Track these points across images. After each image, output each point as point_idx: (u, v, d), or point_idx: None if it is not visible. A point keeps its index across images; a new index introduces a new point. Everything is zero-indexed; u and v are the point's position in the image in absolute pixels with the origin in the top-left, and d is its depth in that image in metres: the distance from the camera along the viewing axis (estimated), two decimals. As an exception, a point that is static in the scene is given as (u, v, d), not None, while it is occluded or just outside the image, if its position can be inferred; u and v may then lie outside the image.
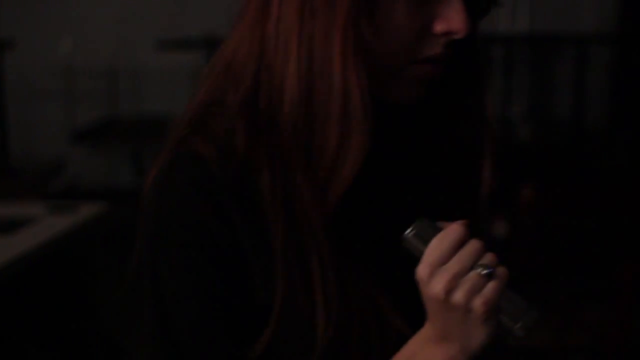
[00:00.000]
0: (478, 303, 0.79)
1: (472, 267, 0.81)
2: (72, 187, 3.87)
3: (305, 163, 0.86)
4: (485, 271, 0.80)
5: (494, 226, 3.30)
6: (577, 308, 3.15)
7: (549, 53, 6.49)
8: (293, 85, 0.85)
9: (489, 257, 0.82)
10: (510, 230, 3.25)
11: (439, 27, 0.87)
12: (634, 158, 5.74)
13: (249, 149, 0.86)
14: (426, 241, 0.83)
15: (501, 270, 0.82)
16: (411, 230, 0.84)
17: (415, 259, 0.83)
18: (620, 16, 6.46)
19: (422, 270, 0.81)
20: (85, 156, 6.46)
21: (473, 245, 0.82)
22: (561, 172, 5.25)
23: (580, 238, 3.05)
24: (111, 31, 6.57)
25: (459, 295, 0.79)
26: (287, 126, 0.85)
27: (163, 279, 0.86)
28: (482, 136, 0.95)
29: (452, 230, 0.82)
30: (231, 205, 0.85)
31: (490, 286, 0.80)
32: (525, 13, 6.47)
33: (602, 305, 3.03)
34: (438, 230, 0.84)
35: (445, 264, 0.81)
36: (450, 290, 0.80)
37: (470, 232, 0.84)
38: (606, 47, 6.49)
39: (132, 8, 6.55)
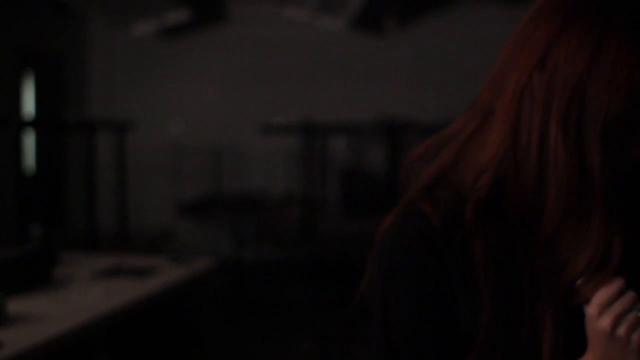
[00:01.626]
0: (636, 337, 0.97)
1: (631, 310, 0.98)
2: (178, 253, 4.31)
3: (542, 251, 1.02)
4: None
5: None
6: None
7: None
8: (560, 186, 0.99)
9: None
10: None
11: None
12: None
13: (473, 219, 1.03)
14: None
15: None
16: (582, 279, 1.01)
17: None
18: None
19: (592, 309, 0.98)
20: (190, 227, 6.93)
21: (631, 293, 0.98)
22: None
23: None
24: (217, 114, 7.10)
25: (621, 330, 0.97)
26: (552, 214, 1.00)
27: (390, 304, 1.05)
28: None
29: (615, 281, 0.99)
30: (448, 255, 1.03)
31: None
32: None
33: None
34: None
35: (610, 306, 0.98)
36: (615, 326, 0.97)
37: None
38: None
39: (235, 94, 7.08)
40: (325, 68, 6.91)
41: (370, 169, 6.87)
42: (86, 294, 3.00)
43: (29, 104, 6.16)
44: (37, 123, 5.72)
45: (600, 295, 0.98)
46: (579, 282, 0.99)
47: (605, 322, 0.97)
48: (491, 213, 1.03)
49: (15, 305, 2.64)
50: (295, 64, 6.97)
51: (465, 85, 5.42)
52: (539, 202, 1.00)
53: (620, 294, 0.98)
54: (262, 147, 6.98)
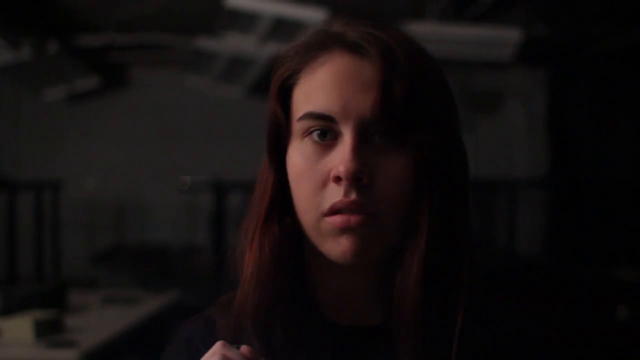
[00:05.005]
0: None
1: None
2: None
3: None
4: None
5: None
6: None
7: (489, 194, 7.46)
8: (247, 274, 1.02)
9: None
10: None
11: (331, 174, 0.90)
12: (567, 281, 6.58)
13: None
14: None
15: None
16: None
17: None
18: (550, 162, 7.43)
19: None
20: (103, 275, 7.29)
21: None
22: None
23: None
24: (123, 173, 7.57)
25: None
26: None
27: None
28: None
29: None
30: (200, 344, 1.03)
31: None
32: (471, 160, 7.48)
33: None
34: None
35: None
36: None
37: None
38: (538, 189, 7.50)
39: (140, 154, 7.58)
40: (226, 130, 7.51)
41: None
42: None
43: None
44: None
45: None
46: None
47: None
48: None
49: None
50: (197, 126, 7.54)
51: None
52: None
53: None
54: (166, 203, 7.51)
